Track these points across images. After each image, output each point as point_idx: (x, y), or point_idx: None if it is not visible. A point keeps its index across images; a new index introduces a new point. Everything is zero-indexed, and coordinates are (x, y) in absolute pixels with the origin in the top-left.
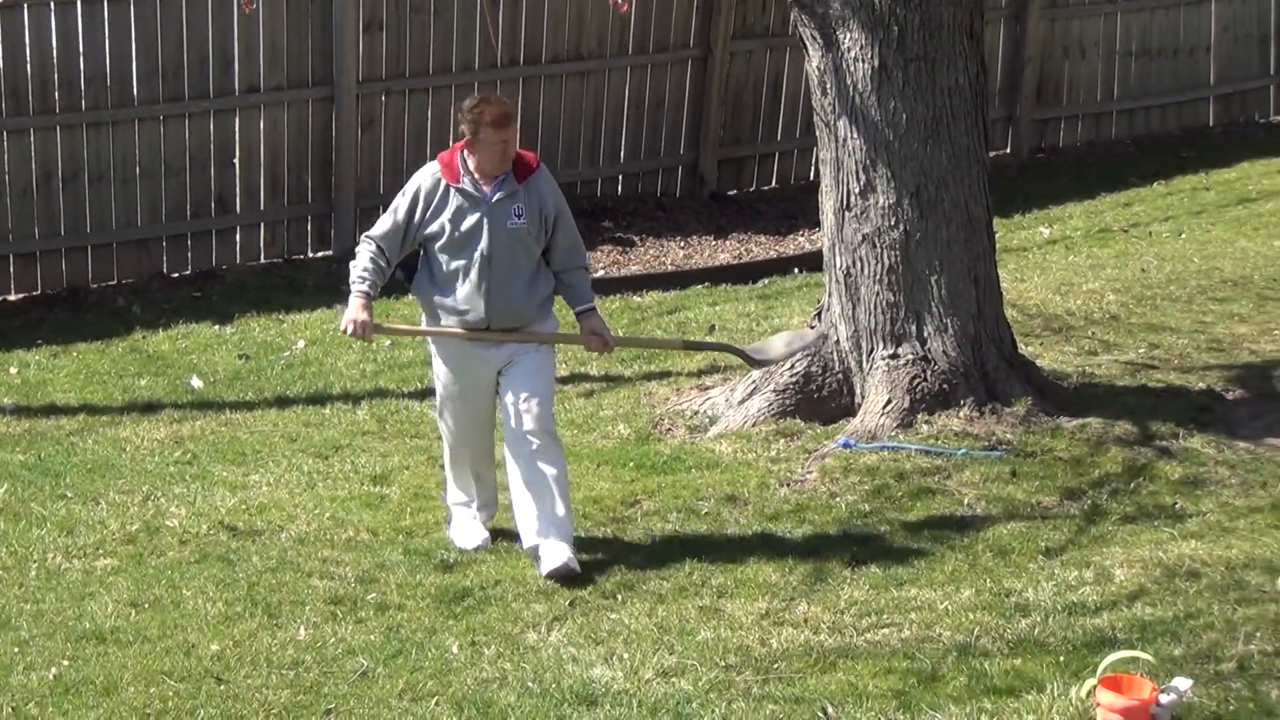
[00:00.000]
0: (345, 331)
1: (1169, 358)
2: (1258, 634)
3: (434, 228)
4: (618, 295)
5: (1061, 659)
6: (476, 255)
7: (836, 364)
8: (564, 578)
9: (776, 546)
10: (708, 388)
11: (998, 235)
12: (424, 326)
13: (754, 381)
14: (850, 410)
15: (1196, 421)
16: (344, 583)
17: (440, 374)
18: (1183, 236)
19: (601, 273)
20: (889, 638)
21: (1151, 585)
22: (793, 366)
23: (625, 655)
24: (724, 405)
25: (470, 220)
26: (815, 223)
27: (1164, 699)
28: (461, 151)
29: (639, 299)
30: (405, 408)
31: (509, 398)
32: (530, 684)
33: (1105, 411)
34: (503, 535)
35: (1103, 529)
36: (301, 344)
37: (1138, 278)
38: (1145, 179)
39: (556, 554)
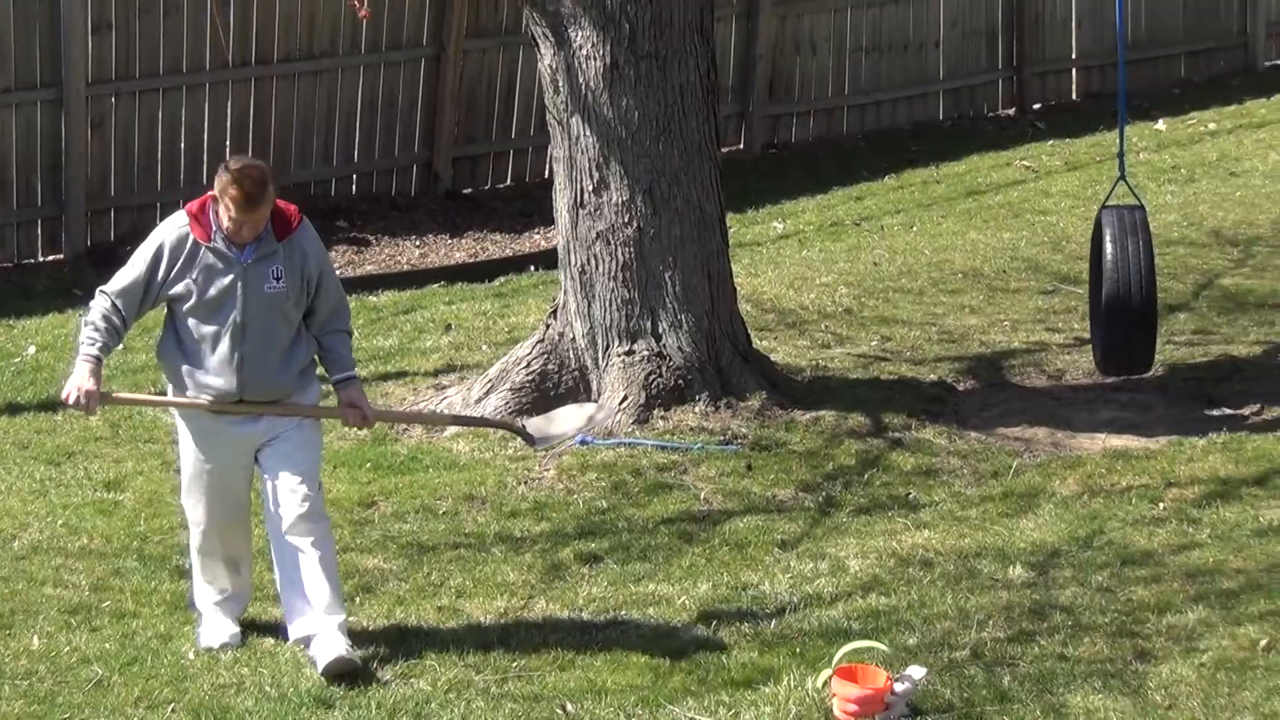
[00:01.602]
0: (67, 401)
1: (901, 350)
2: (990, 621)
3: (180, 288)
4: (353, 296)
5: (798, 650)
6: (229, 322)
7: (573, 361)
8: (341, 674)
9: (515, 545)
10: (444, 387)
11: (732, 231)
12: (166, 396)
13: (490, 380)
14: None
15: (928, 413)
16: (78, 591)
17: (187, 451)
18: (914, 230)
19: (337, 273)
20: (627, 634)
21: (886, 575)
22: (529, 365)
23: (364, 657)
24: (461, 404)
25: (222, 283)
26: (551, 220)
27: (899, 687)
28: (212, 204)
29: (374, 299)
30: (138, 413)
31: (272, 480)
32: (268, 688)
33: (839, 404)
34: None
35: (837, 520)
36: (32, 350)
37: (870, 271)
38: (877, 173)
39: (331, 647)
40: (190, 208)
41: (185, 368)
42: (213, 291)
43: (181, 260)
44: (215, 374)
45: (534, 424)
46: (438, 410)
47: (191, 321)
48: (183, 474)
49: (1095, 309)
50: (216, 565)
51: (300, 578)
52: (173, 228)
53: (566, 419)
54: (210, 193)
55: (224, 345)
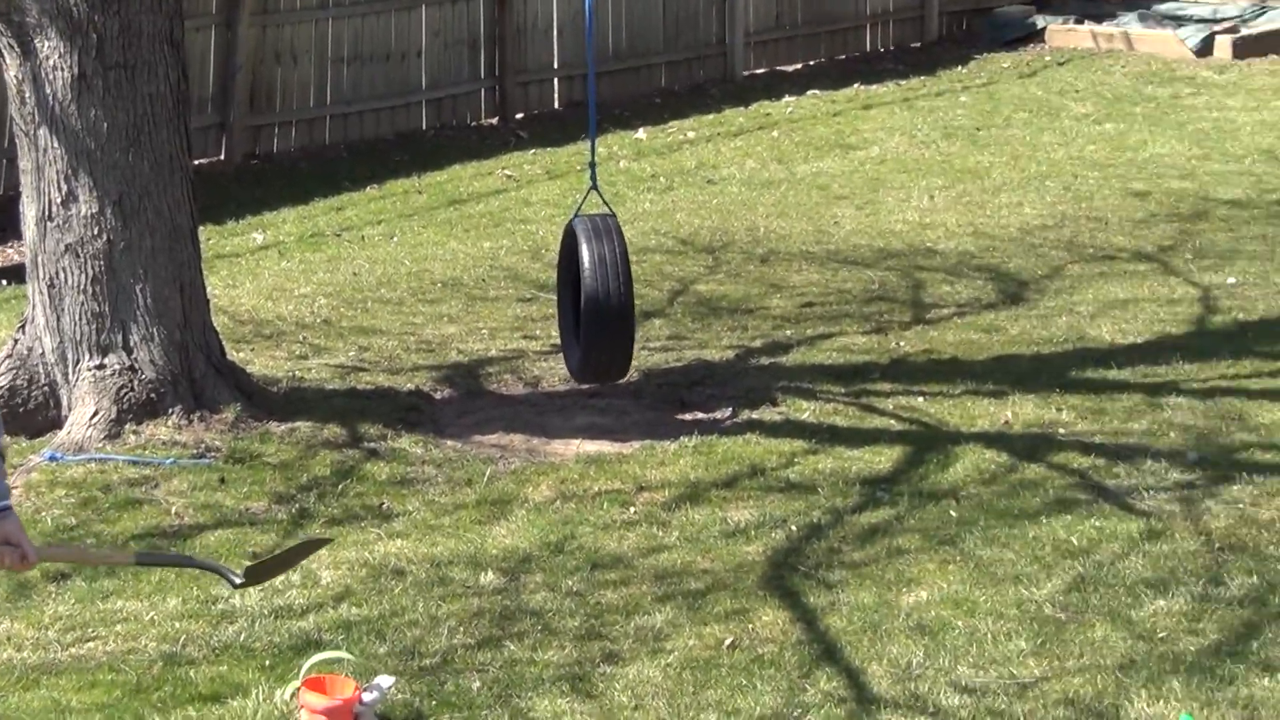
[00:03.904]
0: None
1: (379, 360)
2: (460, 628)
3: None
4: None
5: (267, 663)
6: None
7: (43, 376)
8: None
9: None
10: None
11: (211, 242)
12: None
13: None
14: (58, 423)
15: (405, 422)
16: None
17: None
18: (395, 240)
19: None
20: (94, 651)
21: (358, 585)
22: None
23: None
24: None
25: None
26: (22, 234)
27: (367, 697)
28: None
29: None
30: None
31: None
32: None
33: (315, 415)
34: None
35: (311, 532)
36: None
37: (349, 281)
38: (358, 183)
39: None
40: None
41: None
42: None
43: None
44: None
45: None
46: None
47: None
48: None
49: (567, 318)
50: None
51: None
52: None
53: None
54: None
55: None
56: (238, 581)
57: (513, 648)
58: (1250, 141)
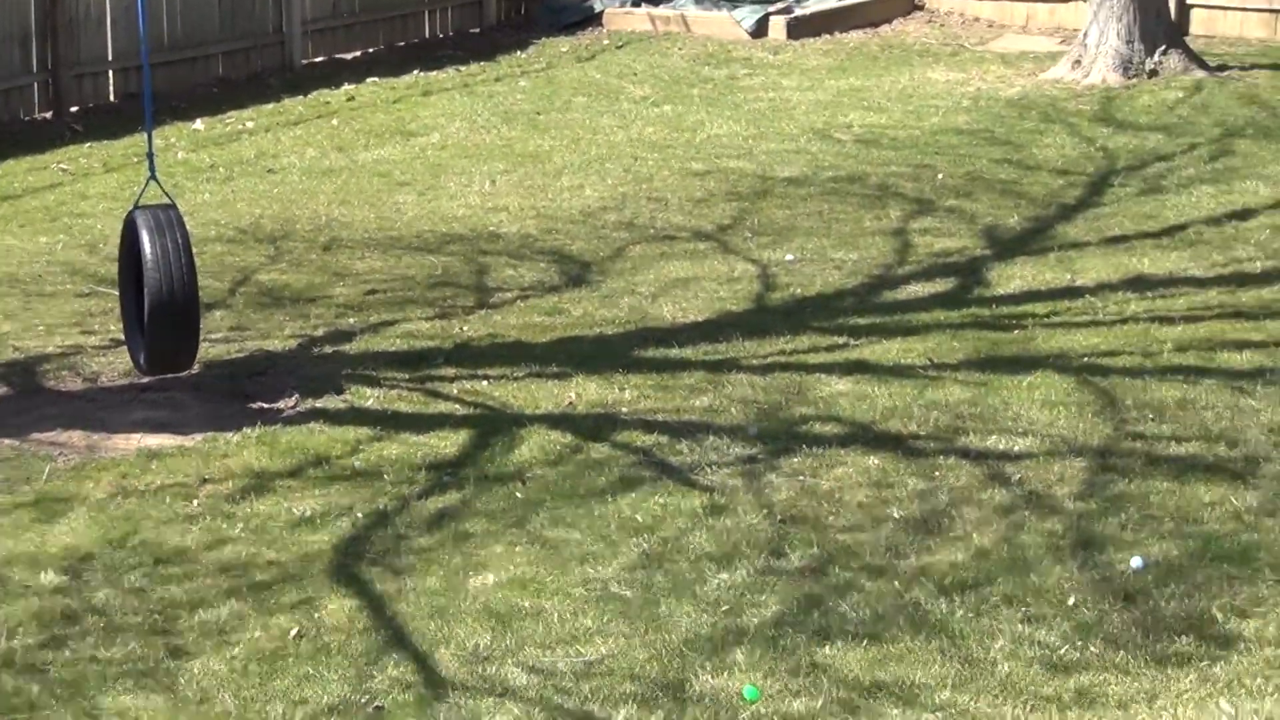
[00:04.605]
0: None
1: None
2: (20, 629)
3: None
4: None
5: None
6: None
7: None
8: None
9: None
10: None
11: None
12: None
13: None
14: None
15: None
16: None
17: None
18: None
19: None
20: None
21: None
22: None
23: None
24: None
25: None
26: None
27: None
28: None
29: None
30: None
31: None
32: None
33: None
34: None
35: None
36: None
37: None
38: None
39: None
40: None
41: None
42: None
43: None
44: None
45: None
46: None
47: None
48: None
49: (130, 310)
50: None
51: None
52: None
53: None
54: None
55: None
56: None
57: (76, 646)
58: (805, 120)
